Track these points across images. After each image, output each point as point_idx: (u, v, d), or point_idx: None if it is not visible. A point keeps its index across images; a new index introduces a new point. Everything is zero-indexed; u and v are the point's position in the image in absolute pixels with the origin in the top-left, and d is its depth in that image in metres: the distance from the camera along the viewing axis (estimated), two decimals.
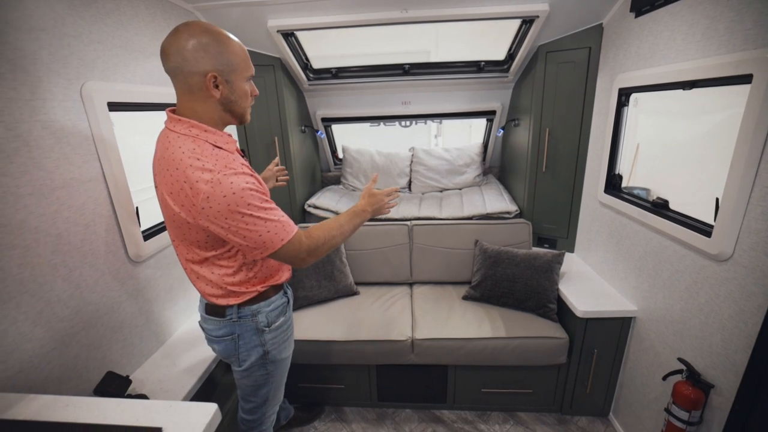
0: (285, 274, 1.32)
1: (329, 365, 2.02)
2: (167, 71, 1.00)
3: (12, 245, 1.05)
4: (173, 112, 1.06)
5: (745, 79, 1.18)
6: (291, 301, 1.40)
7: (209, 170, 0.96)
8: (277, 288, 1.29)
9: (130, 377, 1.40)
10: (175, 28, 0.98)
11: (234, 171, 0.98)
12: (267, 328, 1.25)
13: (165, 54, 0.97)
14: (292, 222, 1.10)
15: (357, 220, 1.28)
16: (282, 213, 1.09)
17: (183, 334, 1.79)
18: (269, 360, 1.30)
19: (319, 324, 2.01)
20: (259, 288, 1.22)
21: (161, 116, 1.70)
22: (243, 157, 1.18)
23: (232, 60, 1.00)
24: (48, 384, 1.16)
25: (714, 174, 1.39)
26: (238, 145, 1.17)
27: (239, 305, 1.21)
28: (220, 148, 1.04)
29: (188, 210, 1.00)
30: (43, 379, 1.14)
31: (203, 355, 1.64)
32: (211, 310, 1.23)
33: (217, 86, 1.00)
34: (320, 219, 2.59)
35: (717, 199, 1.30)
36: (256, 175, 1.11)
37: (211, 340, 1.28)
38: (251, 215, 0.99)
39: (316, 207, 2.62)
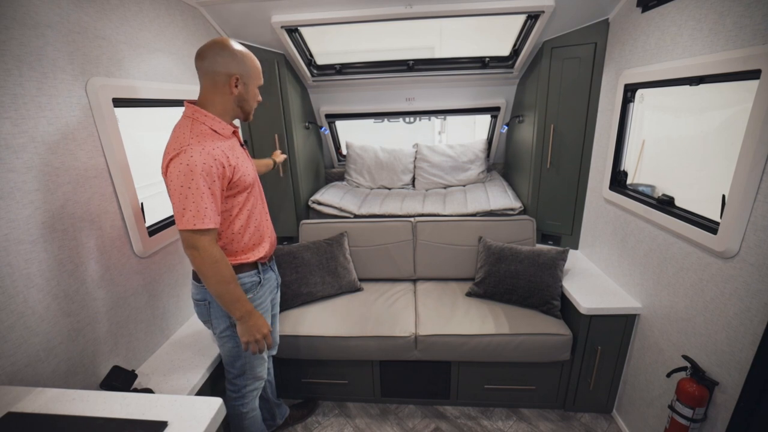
0: (257, 254, 1.40)
1: (333, 361, 2.03)
2: (199, 68, 1.23)
3: (19, 240, 1.06)
4: (191, 101, 1.28)
5: (753, 74, 1.16)
6: (266, 283, 1.46)
7: (186, 141, 1.16)
8: (249, 265, 1.39)
9: (135, 371, 1.42)
10: (214, 40, 1.24)
11: (202, 148, 1.15)
12: None
13: (202, 55, 1.22)
14: (213, 219, 1.17)
15: (233, 303, 1.26)
16: (212, 207, 1.17)
17: (188, 329, 1.81)
18: (238, 333, 1.37)
19: (323, 320, 2.01)
20: (228, 260, 1.29)
21: (165, 112, 1.71)
22: (242, 146, 1.39)
23: (251, 69, 1.28)
24: (55, 378, 1.17)
25: (720, 171, 1.38)
26: (241, 136, 1.37)
27: None
28: (215, 131, 1.24)
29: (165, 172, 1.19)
30: (50, 373, 1.16)
31: (208, 349, 1.66)
32: (193, 274, 1.38)
33: (236, 86, 1.25)
34: (324, 215, 2.59)
35: (723, 196, 1.29)
36: (233, 162, 1.24)
37: (193, 303, 1.43)
38: (188, 188, 1.13)
39: (320, 203, 2.62)
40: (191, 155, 1.13)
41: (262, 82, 1.34)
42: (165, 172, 1.17)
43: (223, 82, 1.23)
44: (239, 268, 1.36)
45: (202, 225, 1.15)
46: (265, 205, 1.51)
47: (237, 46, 1.25)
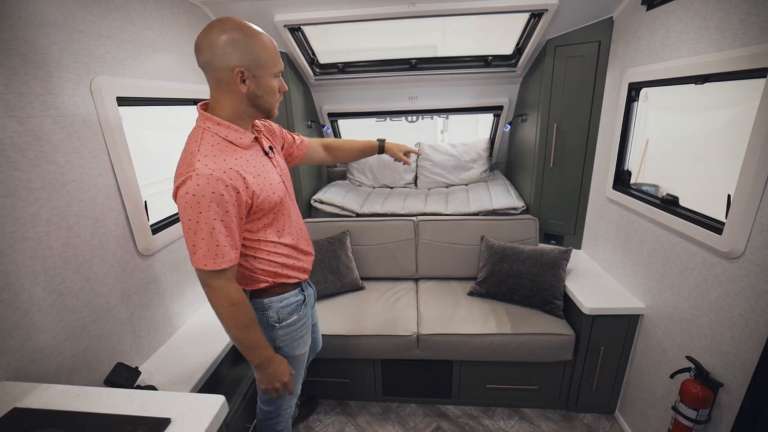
0: (299, 275, 1.30)
1: (334, 359, 2.03)
2: (199, 65, 1.03)
3: (24, 238, 1.07)
4: (205, 105, 1.10)
5: (759, 72, 1.16)
6: (309, 300, 1.38)
7: (194, 163, 0.98)
8: (291, 285, 1.29)
9: (139, 369, 1.42)
10: (209, 24, 1.01)
11: (211, 173, 0.97)
12: (278, 324, 1.26)
13: (197, 48, 1.00)
14: (228, 256, 1.03)
15: (251, 349, 1.15)
16: (226, 242, 1.02)
17: (191, 327, 1.81)
18: (281, 355, 1.29)
19: (325, 318, 2.02)
20: (269, 280, 1.23)
21: (169, 111, 1.71)
22: (267, 154, 1.18)
23: (260, 56, 1.01)
24: (60, 374, 1.18)
25: (726, 170, 1.37)
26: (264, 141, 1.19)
27: (252, 294, 1.24)
28: (231, 142, 1.06)
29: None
30: (55, 369, 1.16)
31: (210, 348, 1.66)
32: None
33: (244, 81, 1.02)
34: (327, 214, 2.60)
35: (729, 196, 1.28)
36: (252, 185, 1.06)
37: None
38: (196, 222, 0.98)
39: (322, 202, 2.62)
40: (197, 183, 0.95)
41: (280, 68, 1.07)
42: (174, 197, 1.01)
43: (226, 79, 1.00)
44: (282, 288, 1.26)
45: (215, 266, 1.01)
46: (299, 218, 1.33)
47: (237, 27, 0.99)
